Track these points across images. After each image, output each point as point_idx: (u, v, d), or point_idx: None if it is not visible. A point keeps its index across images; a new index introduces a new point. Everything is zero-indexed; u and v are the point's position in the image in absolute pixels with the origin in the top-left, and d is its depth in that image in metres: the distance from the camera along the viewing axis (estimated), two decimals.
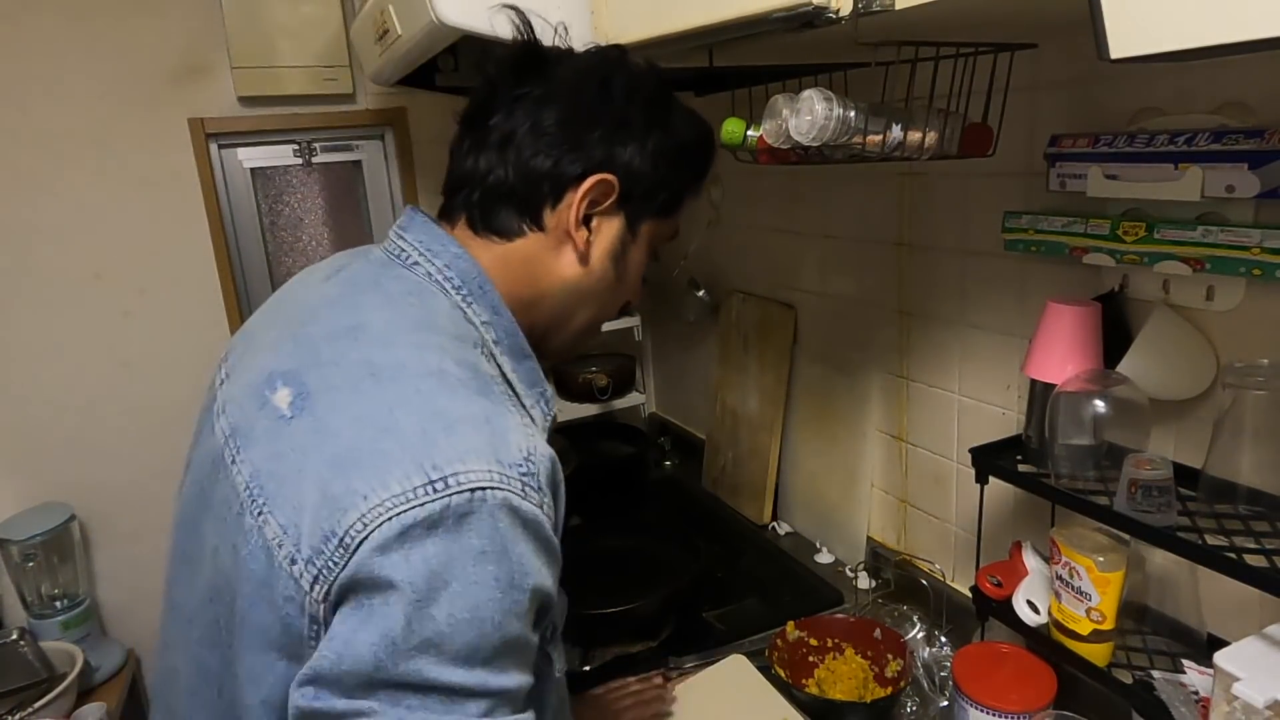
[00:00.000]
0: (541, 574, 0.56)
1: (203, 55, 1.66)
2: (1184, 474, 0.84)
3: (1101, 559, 0.87)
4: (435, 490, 0.52)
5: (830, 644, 1.18)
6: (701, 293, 1.78)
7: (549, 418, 0.71)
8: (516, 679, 0.56)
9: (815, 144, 0.85)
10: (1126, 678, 0.88)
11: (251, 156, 1.79)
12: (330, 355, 0.62)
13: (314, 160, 1.84)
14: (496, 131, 0.70)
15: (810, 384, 1.54)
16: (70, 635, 1.54)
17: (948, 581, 1.27)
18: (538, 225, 0.70)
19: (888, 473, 1.39)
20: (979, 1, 0.66)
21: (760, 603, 1.37)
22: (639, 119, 0.71)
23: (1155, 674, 0.87)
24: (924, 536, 1.34)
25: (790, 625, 1.18)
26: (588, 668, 1.21)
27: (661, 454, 2.03)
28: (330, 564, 0.52)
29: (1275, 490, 0.77)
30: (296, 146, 1.82)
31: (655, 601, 1.25)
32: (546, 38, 0.75)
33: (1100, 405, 0.87)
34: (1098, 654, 0.90)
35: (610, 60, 0.74)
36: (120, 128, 1.62)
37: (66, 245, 1.62)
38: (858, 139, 0.86)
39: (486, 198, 0.71)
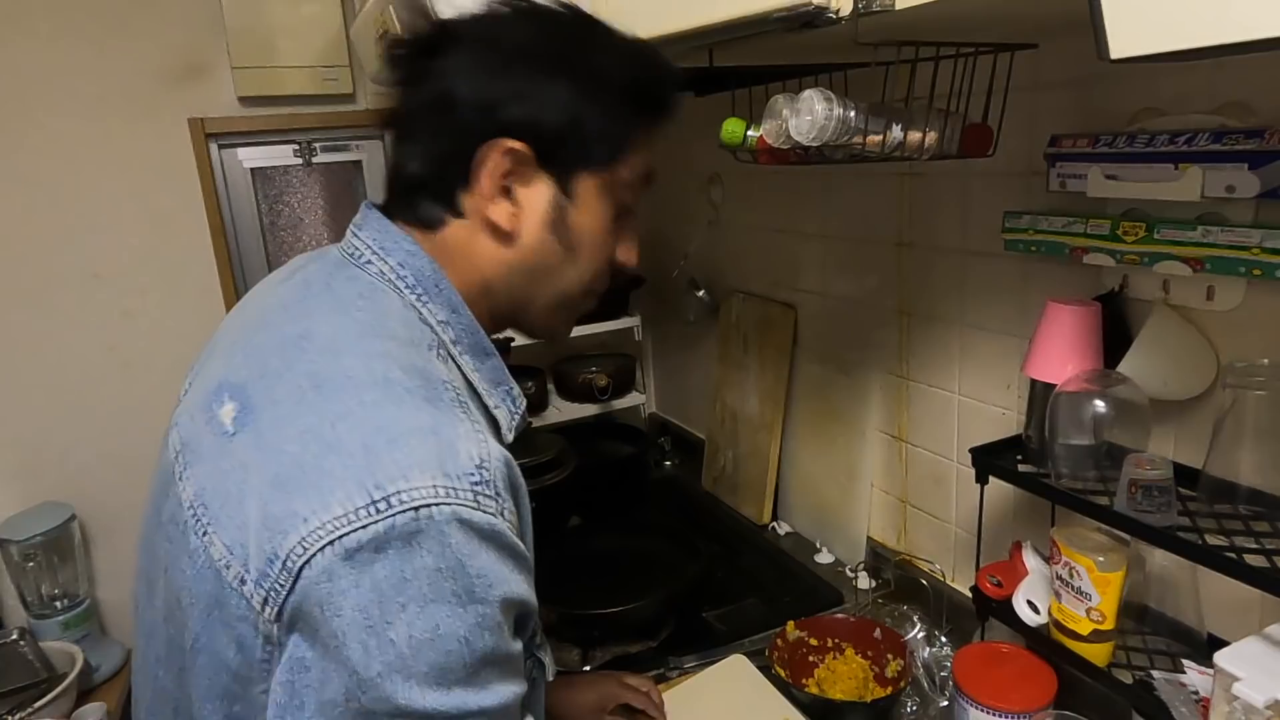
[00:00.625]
0: (511, 582, 0.54)
1: (203, 55, 1.66)
2: (1184, 474, 0.84)
3: (1101, 559, 0.87)
4: (378, 510, 0.50)
5: (830, 644, 1.18)
6: (701, 293, 1.78)
7: (516, 416, 0.68)
8: (502, 693, 0.54)
9: (815, 144, 0.85)
10: (1126, 678, 0.88)
11: (251, 156, 1.79)
12: (276, 366, 0.59)
13: (314, 160, 1.84)
14: (403, 120, 0.67)
15: (810, 384, 1.54)
16: (70, 635, 1.54)
17: (948, 581, 1.27)
18: (456, 211, 0.66)
19: (888, 473, 1.39)
20: (979, 1, 0.66)
21: (760, 603, 1.37)
22: (543, 69, 0.65)
23: (1155, 674, 0.87)
24: (924, 536, 1.34)
25: (790, 625, 1.18)
26: (588, 668, 1.21)
27: (661, 454, 2.03)
28: (278, 586, 0.51)
29: (1275, 490, 0.77)
30: (296, 146, 1.82)
31: (655, 601, 1.25)
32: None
33: (1100, 405, 0.87)
34: (1098, 654, 0.90)
35: (505, 13, 0.67)
36: (120, 128, 1.62)
37: (66, 245, 1.62)
38: (858, 139, 0.86)
39: (405, 190, 0.68)
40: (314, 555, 0.50)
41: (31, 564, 1.55)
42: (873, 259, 1.34)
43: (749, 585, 1.43)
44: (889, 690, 1.09)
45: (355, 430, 0.53)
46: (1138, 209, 0.89)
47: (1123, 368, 0.90)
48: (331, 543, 0.50)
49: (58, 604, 1.58)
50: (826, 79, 1.00)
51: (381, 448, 0.52)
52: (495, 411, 0.67)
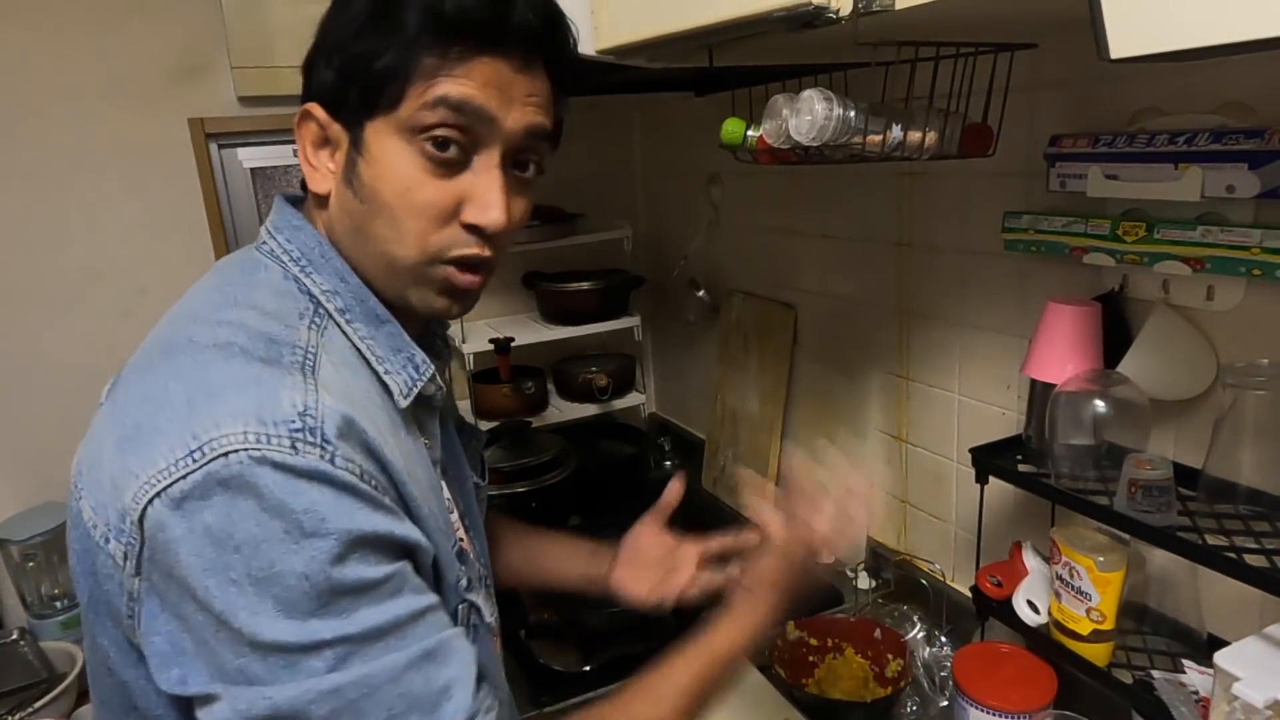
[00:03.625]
0: (353, 515, 0.54)
1: (203, 55, 1.66)
2: (1184, 474, 0.84)
3: (1101, 559, 0.87)
4: (195, 460, 0.52)
5: (830, 644, 1.18)
6: (701, 293, 1.78)
7: (417, 382, 0.67)
8: (370, 618, 0.54)
9: (815, 144, 0.85)
10: (1126, 678, 0.88)
11: (251, 156, 1.79)
12: (149, 341, 0.63)
13: None
14: None
15: (810, 384, 1.54)
16: (70, 635, 1.54)
17: (948, 581, 1.27)
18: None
19: (888, 473, 1.39)
20: (979, 1, 0.66)
21: None
22: (322, 27, 0.65)
23: (1155, 674, 0.87)
24: (924, 536, 1.34)
25: (790, 625, 1.18)
26: (588, 668, 1.21)
27: (661, 454, 2.03)
28: (131, 541, 0.54)
29: (1275, 490, 0.77)
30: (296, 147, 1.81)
31: None
32: None
33: (1100, 405, 0.87)
34: (1098, 654, 0.90)
35: None
36: (120, 128, 1.62)
37: (66, 245, 1.62)
38: (858, 139, 0.86)
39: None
40: (146, 508, 0.52)
41: (31, 564, 1.55)
42: (873, 259, 1.34)
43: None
44: (889, 690, 1.09)
45: (184, 387, 0.55)
46: (1138, 209, 0.89)
47: (1123, 368, 0.90)
48: (159, 494, 0.52)
49: (58, 604, 1.57)
50: (826, 79, 1.00)
51: (202, 400, 0.54)
52: (386, 378, 0.66)
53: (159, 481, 0.52)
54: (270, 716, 0.52)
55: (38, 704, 1.31)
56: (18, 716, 1.29)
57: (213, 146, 1.72)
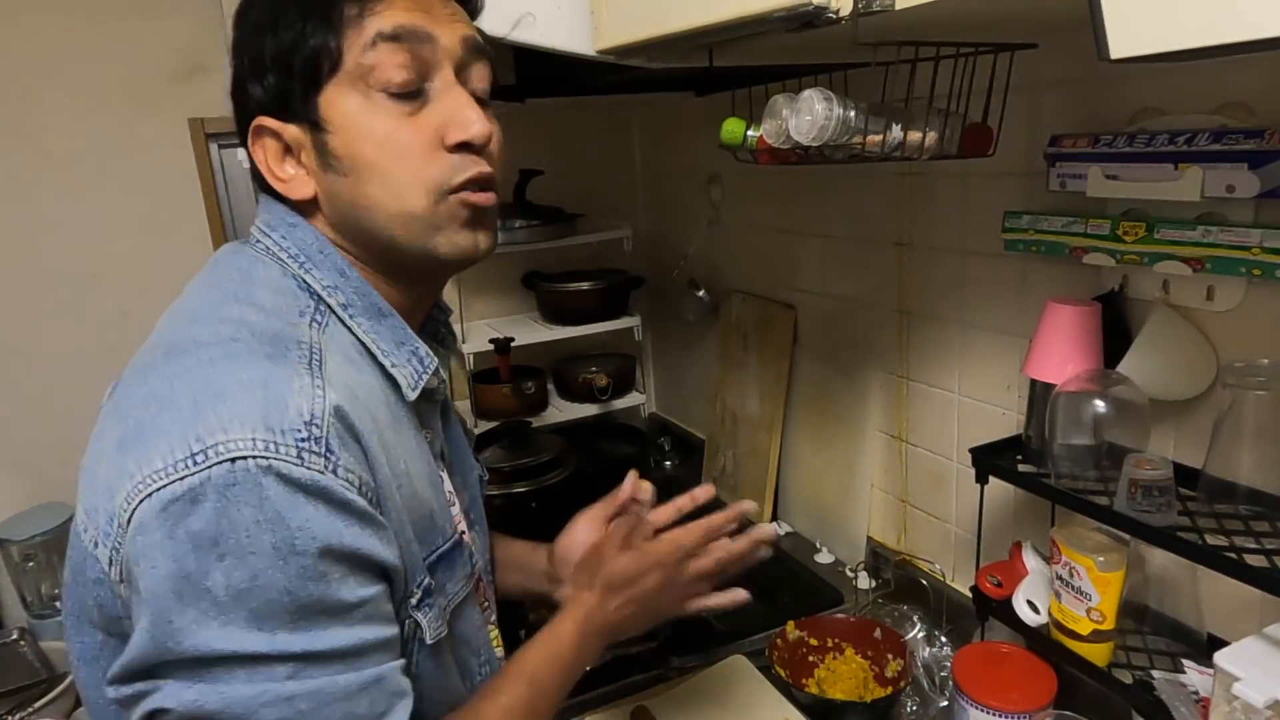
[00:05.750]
0: (342, 534, 0.54)
1: (203, 55, 1.66)
2: (1184, 474, 0.84)
3: (1101, 559, 0.87)
4: (195, 463, 0.51)
5: (830, 644, 1.18)
6: (701, 293, 1.78)
7: (423, 374, 0.68)
8: (338, 638, 0.55)
9: (815, 144, 0.85)
10: (1126, 678, 0.88)
11: None
12: (149, 343, 0.62)
13: None
14: None
15: (810, 384, 1.54)
16: None
17: (948, 581, 1.27)
18: None
19: (888, 473, 1.39)
20: (979, 1, 0.66)
21: (760, 603, 1.36)
22: (234, 56, 0.67)
23: (1155, 674, 0.87)
24: (924, 536, 1.34)
25: (790, 625, 1.18)
26: (588, 668, 1.20)
27: (661, 454, 2.03)
28: (116, 544, 0.53)
29: (1275, 490, 0.77)
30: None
31: None
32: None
33: (1100, 405, 0.87)
34: (1098, 654, 0.90)
35: None
36: (120, 128, 1.62)
37: (66, 245, 1.62)
38: (858, 139, 0.86)
39: None
40: (135, 509, 0.51)
41: (31, 564, 1.55)
42: (873, 259, 1.34)
43: (749, 585, 1.42)
44: (889, 690, 1.09)
45: (188, 387, 0.55)
46: (1138, 209, 0.89)
47: (1123, 368, 0.90)
48: (150, 496, 0.51)
49: (58, 604, 1.58)
50: (826, 79, 1.00)
51: (207, 402, 0.53)
52: (394, 371, 0.66)
53: (153, 482, 0.51)
54: (219, 712, 0.52)
55: (38, 704, 1.31)
56: (18, 716, 1.29)
57: (213, 146, 1.73)
